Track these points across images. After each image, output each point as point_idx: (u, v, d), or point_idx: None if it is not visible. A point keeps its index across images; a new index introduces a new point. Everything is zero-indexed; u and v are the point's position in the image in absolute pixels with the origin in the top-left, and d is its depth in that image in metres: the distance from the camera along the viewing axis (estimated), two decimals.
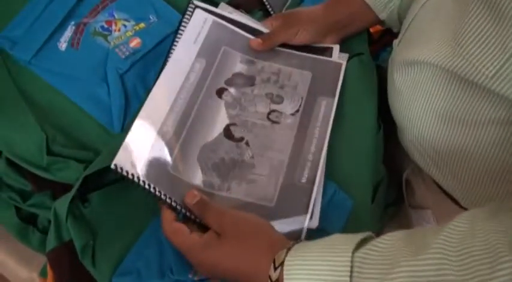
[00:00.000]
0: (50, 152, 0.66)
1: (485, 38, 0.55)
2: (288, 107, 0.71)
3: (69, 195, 0.60)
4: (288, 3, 0.91)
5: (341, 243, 0.50)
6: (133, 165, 0.58)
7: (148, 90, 0.69)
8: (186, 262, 0.58)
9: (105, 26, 0.78)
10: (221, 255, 0.55)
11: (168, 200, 0.58)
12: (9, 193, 0.68)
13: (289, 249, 0.52)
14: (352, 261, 0.47)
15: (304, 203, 0.63)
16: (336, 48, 0.81)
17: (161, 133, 0.63)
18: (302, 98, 0.72)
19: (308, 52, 0.79)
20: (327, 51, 0.80)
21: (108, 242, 0.61)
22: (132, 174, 0.57)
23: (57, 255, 0.60)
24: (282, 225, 0.61)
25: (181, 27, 0.75)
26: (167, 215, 0.58)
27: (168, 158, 0.62)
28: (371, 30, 0.93)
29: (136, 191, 0.59)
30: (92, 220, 0.62)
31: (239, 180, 0.64)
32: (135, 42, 0.77)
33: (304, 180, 0.65)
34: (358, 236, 0.50)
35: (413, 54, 0.65)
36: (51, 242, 0.61)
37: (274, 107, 0.71)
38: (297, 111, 0.71)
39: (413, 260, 0.44)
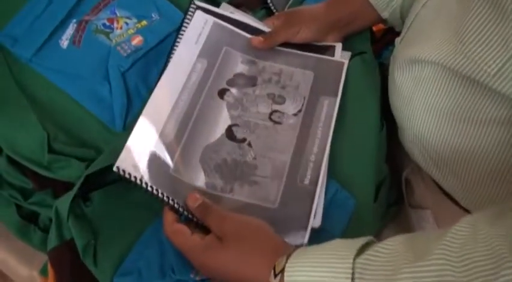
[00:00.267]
0: (51, 150, 0.66)
1: (488, 35, 0.55)
2: (290, 108, 0.71)
3: (71, 194, 0.60)
4: (290, 2, 0.91)
5: (342, 249, 0.49)
6: (135, 167, 0.58)
7: (150, 90, 0.69)
8: (187, 262, 0.57)
9: (107, 23, 0.77)
10: (221, 259, 0.55)
11: (170, 202, 0.58)
12: (10, 191, 0.68)
13: (289, 255, 0.51)
14: (353, 268, 0.47)
15: (308, 204, 0.63)
16: (339, 46, 0.81)
17: (163, 135, 0.63)
18: (304, 98, 0.72)
19: (310, 51, 0.79)
20: (330, 50, 0.80)
21: (109, 241, 0.61)
22: (135, 177, 0.57)
23: (58, 254, 0.60)
24: (285, 227, 0.60)
25: (183, 28, 0.76)
26: (169, 216, 0.58)
27: (170, 160, 0.62)
28: (373, 28, 0.92)
29: (138, 191, 0.59)
30: (93, 219, 0.61)
31: (242, 182, 0.64)
32: (137, 40, 0.77)
33: (307, 181, 0.65)
34: (359, 242, 0.50)
35: (415, 53, 0.65)
36: (52, 241, 0.61)
37: (276, 107, 0.71)
38: (299, 111, 0.71)
39: (415, 266, 0.44)
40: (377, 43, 0.95)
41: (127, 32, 0.77)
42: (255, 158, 0.66)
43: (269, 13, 0.90)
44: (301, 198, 0.63)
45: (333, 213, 0.65)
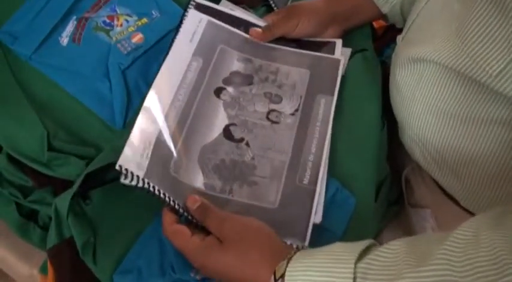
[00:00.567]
0: (51, 148, 0.66)
1: (490, 36, 0.55)
2: (287, 107, 0.71)
3: (70, 192, 0.60)
4: (289, 2, 0.91)
5: (343, 253, 0.49)
6: (138, 165, 0.57)
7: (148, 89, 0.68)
8: (187, 261, 0.57)
9: (107, 21, 0.77)
10: (221, 261, 0.54)
11: (171, 203, 0.58)
12: (10, 189, 0.68)
13: (289, 259, 0.51)
14: (355, 272, 0.47)
15: (308, 205, 0.63)
16: (339, 42, 0.80)
17: (161, 135, 0.63)
18: (301, 97, 0.72)
19: (310, 47, 0.78)
20: (329, 46, 0.80)
21: (109, 239, 0.60)
22: (137, 176, 0.57)
23: (58, 253, 0.60)
24: (286, 228, 0.60)
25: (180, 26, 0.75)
26: (168, 217, 0.58)
27: (170, 160, 0.62)
28: (375, 26, 0.92)
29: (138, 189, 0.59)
30: (93, 217, 0.61)
31: (241, 182, 0.64)
32: (137, 38, 0.77)
33: (306, 181, 0.64)
34: (360, 245, 0.49)
35: (417, 52, 0.65)
36: (52, 239, 0.61)
37: (273, 106, 0.71)
38: (296, 110, 0.71)
39: (417, 271, 0.44)
40: (378, 41, 0.95)
41: (127, 30, 0.77)
42: (253, 158, 0.66)
43: (270, 10, 0.90)
44: (301, 199, 0.63)
45: (334, 212, 0.65)
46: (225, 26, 0.77)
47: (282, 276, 0.50)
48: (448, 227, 0.73)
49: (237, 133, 0.67)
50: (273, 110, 0.70)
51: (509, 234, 0.42)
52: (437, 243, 0.45)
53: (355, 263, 0.47)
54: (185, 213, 0.58)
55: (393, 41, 0.81)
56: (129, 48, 0.75)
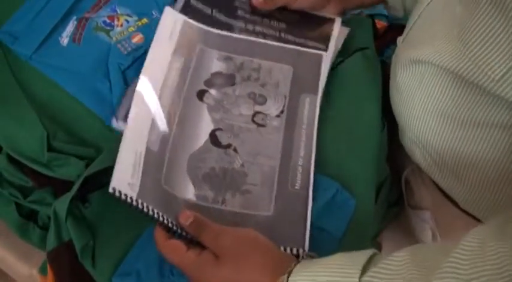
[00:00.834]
0: (50, 148, 0.66)
1: (493, 40, 0.54)
2: (272, 108, 0.70)
3: (69, 196, 0.59)
4: None
5: (346, 267, 0.48)
6: (131, 186, 0.57)
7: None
8: None
9: (107, 21, 0.77)
10: (218, 277, 0.53)
11: (165, 222, 0.57)
12: (10, 189, 0.68)
13: (290, 272, 0.50)
14: None
15: (303, 209, 0.62)
16: (338, 20, 0.80)
17: (149, 146, 0.61)
18: (285, 97, 0.71)
19: (310, 22, 0.77)
20: (329, 23, 0.79)
21: (108, 242, 0.60)
22: (131, 198, 0.56)
23: (57, 256, 0.60)
24: (283, 234, 0.60)
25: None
26: (161, 233, 0.57)
27: (160, 173, 0.61)
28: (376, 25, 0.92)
29: None
30: (91, 220, 0.61)
31: (233, 192, 0.63)
32: (137, 38, 0.77)
33: (297, 186, 0.64)
34: (363, 257, 0.49)
35: (417, 53, 0.65)
36: (51, 242, 0.60)
37: (258, 108, 0.70)
38: (282, 112, 0.70)
39: None
40: (379, 40, 0.94)
41: (127, 30, 0.77)
42: (243, 165, 0.65)
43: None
44: (295, 204, 0.63)
45: (333, 214, 0.65)
46: (201, 26, 0.75)
47: None
48: (448, 228, 0.73)
49: (223, 139, 0.66)
50: (258, 112, 0.69)
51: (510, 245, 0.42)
52: (443, 255, 0.44)
53: (360, 277, 0.46)
54: (179, 230, 0.57)
55: (393, 42, 0.81)
56: (129, 49, 0.75)
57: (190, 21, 0.75)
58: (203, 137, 0.66)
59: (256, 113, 0.69)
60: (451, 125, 0.63)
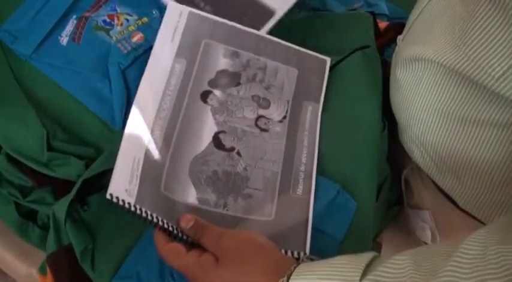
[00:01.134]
0: (50, 148, 0.66)
1: (493, 38, 0.54)
2: (274, 113, 0.70)
3: (68, 199, 0.59)
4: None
5: (346, 269, 0.48)
6: (128, 192, 0.56)
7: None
8: None
9: (107, 20, 0.77)
10: (219, 280, 0.53)
11: (165, 226, 0.56)
12: (9, 189, 0.67)
13: (290, 275, 0.50)
14: None
15: (304, 213, 0.62)
16: None
17: (149, 151, 0.61)
18: (288, 102, 0.71)
19: None
20: None
21: (107, 245, 0.60)
22: (129, 203, 0.56)
23: (57, 259, 0.60)
24: (284, 238, 0.60)
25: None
26: (161, 237, 0.57)
27: (160, 179, 0.60)
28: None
29: None
30: (91, 223, 0.61)
31: (235, 196, 0.63)
32: (137, 37, 0.76)
33: (299, 191, 0.64)
34: (364, 260, 0.48)
35: (418, 51, 0.65)
36: (51, 245, 0.60)
37: (261, 112, 0.69)
38: (284, 117, 0.70)
39: None
40: (380, 39, 0.94)
41: (127, 29, 0.77)
42: (245, 169, 0.65)
43: None
44: (297, 208, 0.63)
45: (334, 216, 0.64)
46: (209, 16, 0.73)
47: None
48: (447, 228, 0.73)
49: (227, 142, 0.66)
50: (262, 116, 0.69)
51: None
52: (443, 258, 0.44)
53: (360, 280, 0.46)
54: (179, 234, 0.57)
55: (394, 41, 0.81)
56: (129, 48, 0.75)
57: (197, 11, 0.73)
58: (206, 139, 0.65)
59: (259, 117, 0.69)
60: (450, 124, 0.63)
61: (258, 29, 0.76)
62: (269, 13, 0.78)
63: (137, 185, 0.58)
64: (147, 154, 0.61)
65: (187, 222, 0.57)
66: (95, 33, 0.75)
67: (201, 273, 0.54)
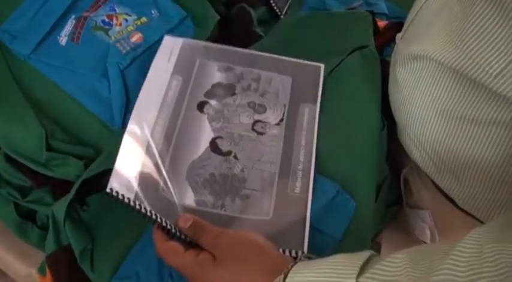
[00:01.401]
0: (49, 148, 0.66)
1: (491, 36, 0.54)
2: (271, 117, 0.70)
3: (67, 199, 0.59)
4: (289, 1, 0.91)
5: (343, 267, 0.48)
6: (128, 188, 0.57)
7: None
8: None
9: (106, 20, 0.77)
10: (216, 278, 0.53)
11: (163, 224, 0.57)
12: (8, 189, 0.68)
13: (286, 274, 0.50)
14: None
15: (302, 212, 0.62)
16: None
17: (148, 155, 0.62)
18: (284, 106, 0.71)
19: None
20: None
21: (106, 245, 0.60)
22: (128, 198, 0.56)
23: (56, 260, 0.60)
24: (282, 237, 0.60)
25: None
26: (159, 235, 0.57)
27: (158, 182, 0.61)
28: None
29: None
30: (90, 224, 0.61)
31: (232, 196, 0.63)
32: (136, 37, 0.76)
33: (297, 190, 0.64)
34: (361, 258, 0.48)
35: (416, 49, 0.64)
36: (50, 246, 0.61)
37: (257, 117, 0.70)
38: (281, 120, 0.70)
39: None
40: (379, 39, 0.94)
41: (126, 29, 0.77)
42: (242, 171, 0.65)
43: (269, 10, 0.89)
44: (294, 207, 0.63)
45: (333, 216, 0.64)
46: (201, 42, 0.76)
47: None
48: (447, 227, 0.73)
49: (224, 146, 0.66)
50: (258, 121, 0.69)
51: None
52: (440, 256, 0.44)
53: (357, 277, 0.46)
54: (178, 233, 0.57)
55: (393, 40, 0.81)
56: (128, 48, 0.75)
57: (189, 40, 0.76)
58: (203, 145, 0.66)
59: (256, 122, 0.69)
60: (449, 123, 0.63)
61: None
62: None
63: (136, 184, 0.58)
64: (146, 159, 0.62)
65: (185, 221, 0.57)
66: (94, 33, 0.75)
67: (199, 272, 0.54)
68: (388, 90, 0.75)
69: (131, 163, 0.60)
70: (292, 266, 0.51)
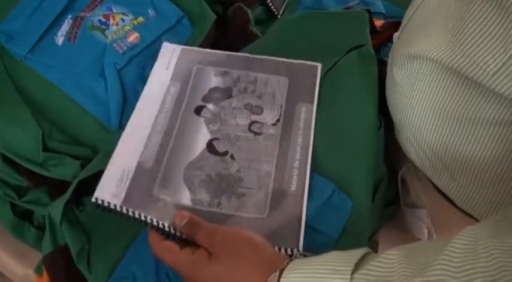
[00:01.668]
0: (46, 148, 0.66)
1: (488, 34, 0.54)
2: (268, 118, 0.70)
3: (63, 199, 0.59)
4: (286, 1, 0.91)
5: (339, 263, 0.48)
6: (114, 195, 0.58)
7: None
8: None
9: (103, 20, 0.77)
10: (212, 275, 0.53)
11: (155, 224, 0.57)
12: (5, 189, 0.67)
13: (282, 270, 0.50)
14: None
15: (297, 210, 0.62)
16: None
17: (143, 157, 0.63)
18: (281, 106, 0.71)
19: None
20: None
21: (103, 245, 0.60)
22: (115, 205, 0.57)
23: (53, 260, 0.60)
24: (277, 235, 0.60)
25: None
26: (154, 235, 0.57)
27: (153, 184, 0.61)
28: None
29: None
30: (86, 224, 0.61)
31: (229, 195, 0.63)
32: (133, 37, 0.76)
33: (293, 188, 0.64)
34: (356, 255, 0.48)
35: (413, 49, 0.64)
36: (47, 246, 0.60)
37: (254, 117, 0.70)
38: (278, 120, 0.70)
39: None
40: (376, 38, 0.94)
41: (123, 29, 0.77)
42: (239, 170, 0.65)
43: (266, 10, 0.89)
44: (290, 205, 0.63)
45: (329, 216, 0.64)
46: (199, 49, 0.77)
47: None
48: (444, 226, 0.73)
49: (220, 147, 0.67)
50: (255, 122, 0.69)
51: (508, 244, 0.41)
52: (435, 252, 0.44)
53: (352, 274, 0.46)
54: (172, 231, 0.57)
55: (391, 39, 0.81)
56: (125, 48, 0.75)
57: (187, 47, 0.76)
58: (200, 146, 0.66)
59: (253, 123, 0.69)
60: (446, 122, 0.63)
61: None
62: None
63: (125, 189, 0.59)
64: (139, 166, 0.62)
65: (181, 219, 0.57)
66: (91, 33, 0.75)
67: (195, 269, 0.54)
68: (385, 89, 0.75)
69: (121, 172, 0.60)
70: (287, 263, 0.51)
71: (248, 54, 0.77)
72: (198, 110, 0.69)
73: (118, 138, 0.63)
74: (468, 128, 0.61)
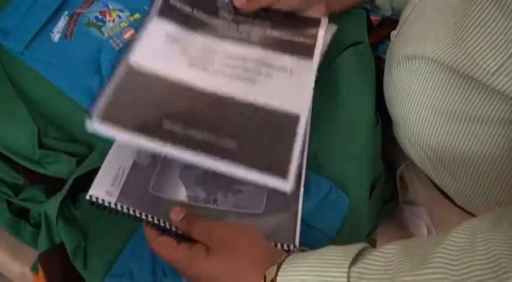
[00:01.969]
0: (42, 145, 0.65)
1: (488, 33, 0.54)
2: None
3: (59, 197, 0.59)
4: None
5: (336, 257, 0.48)
6: (108, 193, 0.58)
7: None
8: None
9: (99, 16, 0.76)
10: (209, 269, 0.53)
11: (150, 219, 0.57)
12: (1, 187, 0.67)
13: (280, 263, 0.50)
14: (348, 276, 0.46)
15: (294, 206, 0.62)
16: (325, 20, 0.77)
17: (139, 155, 0.62)
18: None
19: (293, 23, 0.76)
20: (315, 24, 0.77)
21: (99, 243, 0.60)
22: (109, 202, 0.57)
23: (49, 258, 0.60)
24: (273, 231, 0.60)
25: None
26: (151, 231, 0.57)
27: (149, 182, 0.61)
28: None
29: None
30: (82, 221, 0.61)
31: (225, 192, 0.63)
32: (129, 34, 0.76)
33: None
34: (354, 249, 0.48)
35: (412, 49, 0.64)
36: (43, 244, 0.60)
37: None
38: None
39: (412, 275, 0.43)
40: (373, 35, 0.93)
41: (119, 25, 0.76)
42: None
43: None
44: (286, 201, 0.63)
45: (327, 213, 0.64)
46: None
47: (273, 281, 0.49)
48: (443, 224, 0.73)
49: None
50: None
51: (506, 236, 0.41)
52: (432, 246, 0.44)
53: (349, 267, 0.46)
54: (167, 226, 0.57)
55: (388, 36, 0.80)
56: (122, 44, 0.75)
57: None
58: None
59: None
60: (446, 120, 0.63)
61: None
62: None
63: (120, 187, 0.59)
64: (136, 163, 0.62)
65: (177, 214, 0.57)
66: (87, 29, 0.75)
67: (192, 263, 0.53)
68: (382, 86, 0.75)
69: (114, 172, 0.60)
70: (285, 258, 0.51)
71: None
72: None
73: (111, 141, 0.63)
74: (468, 126, 0.61)
